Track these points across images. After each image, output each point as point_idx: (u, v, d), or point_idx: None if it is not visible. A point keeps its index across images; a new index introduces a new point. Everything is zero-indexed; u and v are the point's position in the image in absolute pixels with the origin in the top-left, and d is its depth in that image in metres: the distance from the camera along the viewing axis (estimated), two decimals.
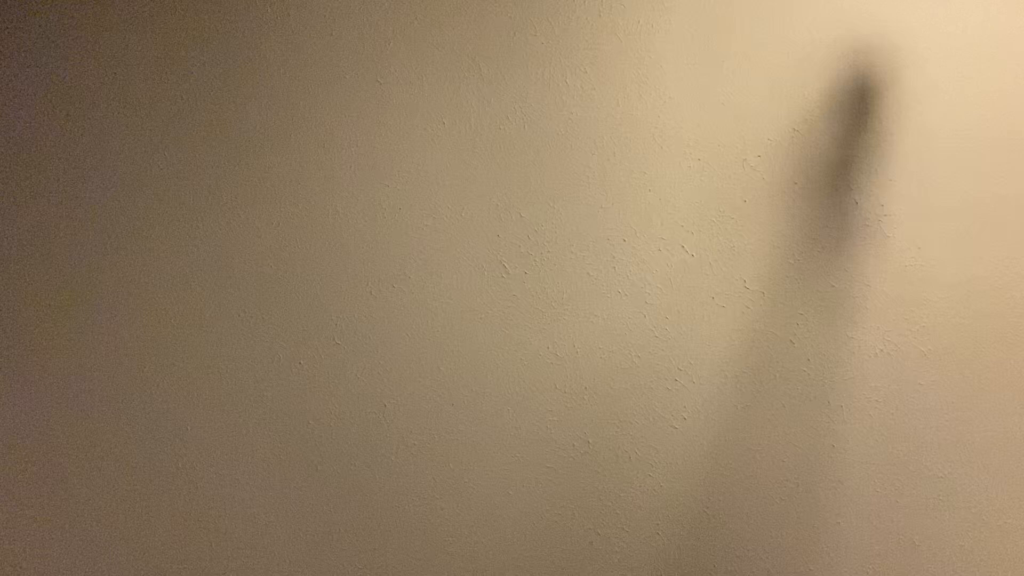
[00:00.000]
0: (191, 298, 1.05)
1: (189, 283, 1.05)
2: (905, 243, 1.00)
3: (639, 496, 1.07)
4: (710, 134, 0.99)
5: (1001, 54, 0.96)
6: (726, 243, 1.02)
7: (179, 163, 1.02)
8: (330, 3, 1.00)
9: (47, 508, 1.12)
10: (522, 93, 0.99)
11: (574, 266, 1.03)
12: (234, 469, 1.11)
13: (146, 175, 1.02)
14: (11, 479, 1.12)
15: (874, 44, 0.97)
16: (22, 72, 1.00)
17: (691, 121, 0.99)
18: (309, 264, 1.04)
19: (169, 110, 1.01)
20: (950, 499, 1.06)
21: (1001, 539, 1.06)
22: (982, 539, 1.06)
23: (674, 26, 0.97)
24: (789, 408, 1.05)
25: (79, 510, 1.12)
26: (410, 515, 1.09)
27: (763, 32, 0.97)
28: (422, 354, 1.06)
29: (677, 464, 1.07)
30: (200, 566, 1.14)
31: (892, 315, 1.02)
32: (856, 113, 0.98)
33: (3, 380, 1.08)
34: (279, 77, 1.00)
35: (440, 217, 1.03)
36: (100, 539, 1.13)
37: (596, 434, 1.07)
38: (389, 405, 1.08)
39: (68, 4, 1.00)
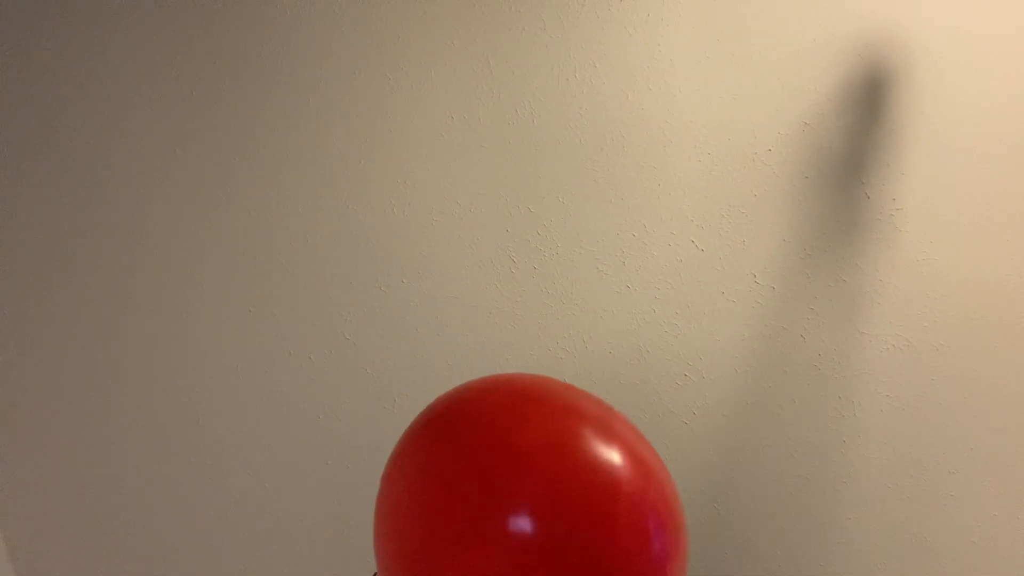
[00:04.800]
0: (201, 294, 1.06)
1: (199, 279, 1.06)
2: (917, 237, 0.99)
3: None
4: (720, 128, 0.99)
5: (1014, 47, 0.95)
6: (736, 238, 1.01)
7: (188, 159, 1.02)
8: None
9: (56, 504, 1.13)
10: (531, 87, 0.99)
11: (583, 260, 1.03)
12: (244, 463, 1.11)
13: (155, 171, 1.03)
14: (20, 476, 1.12)
15: (886, 37, 0.96)
16: (27, 71, 1.01)
17: (701, 115, 0.99)
18: (318, 259, 1.05)
19: (178, 106, 1.01)
20: (961, 494, 1.05)
21: (1012, 534, 1.05)
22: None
23: (683, 20, 0.97)
24: (800, 403, 1.05)
25: (90, 505, 1.13)
26: None
27: (773, 25, 0.96)
28: (431, 348, 1.07)
29: (687, 459, 1.07)
30: (210, 559, 1.15)
31: (904, 310, 1.01)
32: (867, 107, 0.97)
33: (12, 375, 1.09)
34: (288, 72, 1.00)
35: (449, 212, 1.03)
36: (110, 532, 1.14)
37: None
38: (399, 399, 1.08)
39: None
